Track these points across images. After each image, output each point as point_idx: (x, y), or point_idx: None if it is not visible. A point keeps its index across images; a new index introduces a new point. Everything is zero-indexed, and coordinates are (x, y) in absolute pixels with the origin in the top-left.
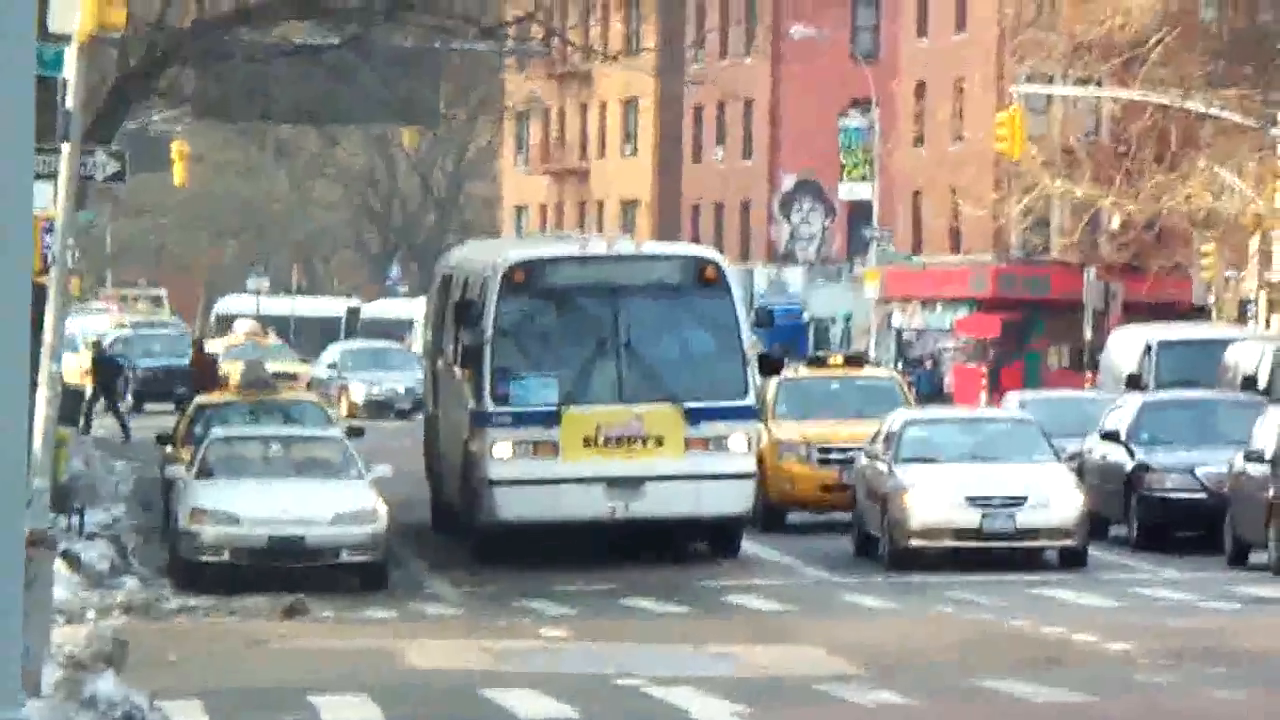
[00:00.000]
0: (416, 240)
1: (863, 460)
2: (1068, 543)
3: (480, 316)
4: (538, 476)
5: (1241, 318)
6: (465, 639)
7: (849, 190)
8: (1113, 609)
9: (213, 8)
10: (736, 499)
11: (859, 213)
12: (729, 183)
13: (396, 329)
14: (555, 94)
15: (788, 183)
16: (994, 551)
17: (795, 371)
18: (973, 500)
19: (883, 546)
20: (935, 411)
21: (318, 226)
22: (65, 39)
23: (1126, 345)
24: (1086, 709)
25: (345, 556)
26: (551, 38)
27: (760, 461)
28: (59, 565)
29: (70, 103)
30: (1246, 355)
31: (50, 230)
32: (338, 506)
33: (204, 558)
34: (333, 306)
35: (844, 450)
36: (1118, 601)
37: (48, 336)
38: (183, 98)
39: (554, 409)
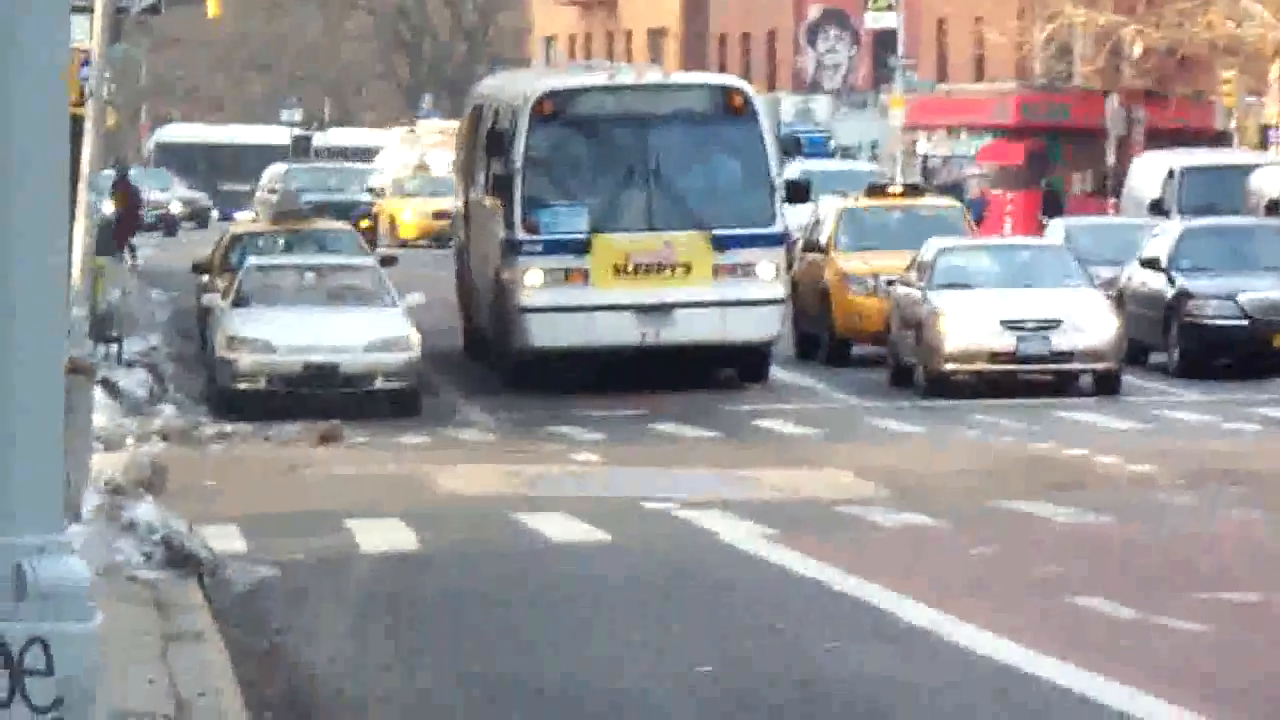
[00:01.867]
0: (447, 72)
1: (898, 289)
2: (1102, 365)
3: (511, 146)
4: (569, 304)
5: (1263, 143)
6: (497, 464)
7: (874, 19)
8: (1138, 432)
9: None
10: (764, 324)
11: (884, 42)
12: (755, 12)
13: (356, 158)
14: None
15: (814, 12)
16: (1029, 375)
17: (855, 201)
18: (1007, 324)
19: (918, 373)
20: (967, 239)
21: (349, 60)
22: None
23: (1150, 171)
24: (1103, 529)
25: (379, 383)
26: None
27: (826, 295)
28: (98, 393)
29: None
30: (1270, 180)
31: (87, 63)
32: (371, 334)
33: (240, 385)
34: (277, 135)
35: None
36: (1144, 425)
37: (84, 168)
38: None
39: (584, 237)
